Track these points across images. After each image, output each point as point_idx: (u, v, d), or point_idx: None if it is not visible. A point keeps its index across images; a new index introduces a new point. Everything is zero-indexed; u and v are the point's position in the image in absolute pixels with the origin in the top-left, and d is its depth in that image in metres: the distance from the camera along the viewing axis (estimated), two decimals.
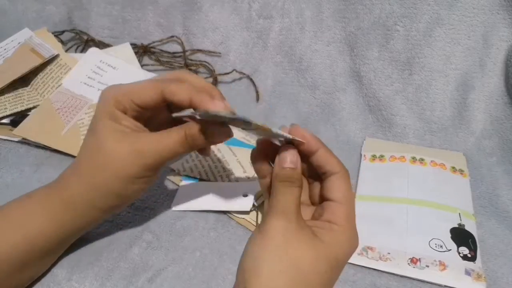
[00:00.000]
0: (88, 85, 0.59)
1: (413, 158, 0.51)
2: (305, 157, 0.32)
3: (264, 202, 0.35)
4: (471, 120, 0.54)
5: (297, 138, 0.31)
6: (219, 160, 0.49)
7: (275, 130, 0.30)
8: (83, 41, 0.72)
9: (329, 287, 0.30)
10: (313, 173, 0.33)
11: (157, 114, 0.37)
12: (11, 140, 0.54)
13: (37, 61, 0.59)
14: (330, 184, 0.31)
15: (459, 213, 0.44)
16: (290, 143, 0.32)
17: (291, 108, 0.61)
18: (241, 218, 0.44)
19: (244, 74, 0.65)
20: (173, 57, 0.69)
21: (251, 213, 0.44)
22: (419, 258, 0.40)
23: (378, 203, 0.46)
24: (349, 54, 0.59)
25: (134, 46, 0.69)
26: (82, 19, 0.73)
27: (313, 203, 0.34)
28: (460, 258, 0.40)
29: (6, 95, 0.58)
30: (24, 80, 0.59)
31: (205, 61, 0.67)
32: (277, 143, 0.33)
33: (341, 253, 0.30)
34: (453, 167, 0.50)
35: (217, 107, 0.32)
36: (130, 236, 0.42)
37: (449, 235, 0.42)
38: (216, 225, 0.44)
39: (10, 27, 0.69)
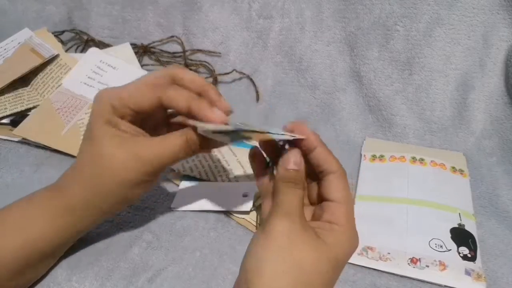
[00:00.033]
0: (88, 85, 0.59)
1: (413, 158, 0.51)
2: (303, 155, 0.32)
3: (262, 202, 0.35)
4: (471, 120, 0.54)
5: (297, 136, 0.31)
6: (219, 160, 0.49)
7: (274, 135, 0.30)
8: (83, 41, 0.72)
9: (330, 287, 0.30)
10: (311, 173, 0.33)
11: (153, 115, 0.37)
12: (11, 140, 0.54)
13: (37, 61, 0.59)
14: (328, 183, 0.31)
15: (459, 213, 0.44)
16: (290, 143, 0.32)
17: (291, 108, 0.61)
18: (241, 218, 0.44)
19: (244, 74, 0.65)
20: (173, 57, 0.69)
21: (251, 213, 0.44)
22: (419, 258, 0.40)
23: (378, 203, 0.46)
24: (349, 54, 0.59)
25: (134, 46, 0.69)
26: (82, 19, 0.73)
27: (311, 203, 0.35)
28: (460, 258, 0.40)
29: (6, 95, 0.58)
30: (24, 80, 0.59)
31: (205, 61, 0.67)
32: (280, 142, 0.33)
33: (342, 253, 0.30)
34: (453, 167, 0.50)
35: (215, 115, 0.32)
36: (130, 236, 0.42)
37: (449, 235, 0.42)
38: (216, 225, 0.44)
39: (10, 27, 0.68)
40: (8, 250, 0.33)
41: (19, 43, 0.63)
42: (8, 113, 0.56)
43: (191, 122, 0.33)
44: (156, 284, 0.38)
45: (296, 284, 0.27)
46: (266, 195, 0.34)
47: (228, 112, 0.34)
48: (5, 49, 0.63)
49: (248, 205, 0.44)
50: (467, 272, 0.39)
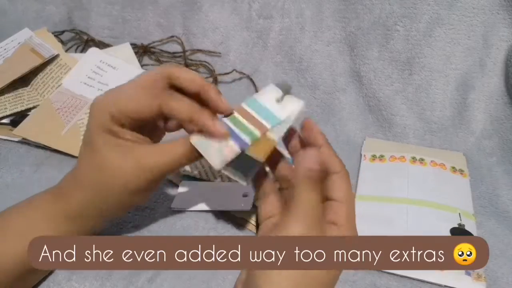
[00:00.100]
0: (88, 85, 0.59)
1: (413, 158, 0.51)
2: None
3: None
4: (471, 120, 0.54)
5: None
6: None
7: (275, 133, 0.31)
8: (83, 41, 0.72)
9: (331, 287, 0.30)
10: None
11: (152, 120, 0.37)
12: (11, 140, 0.54)
13: (37, 61, 0.59)
14: (331, 183, 0.31)
15: (459, 213, 0.44)
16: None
17: None
18: (241, 218, 0.44)
19: (244, 74, 0.65)
20: (173, 57, 0.69)
21: (251, 213, 0.44)
22: None
23: (378, 203, 0.46)
24: (349, 54, 0.59)
25: (134, 46, 0.69)
26: (82, 19, 0.73)
27: None
28: None
29: (6, 95, 0.58)
30: (24, 80, 0.59)
31: (205, 61, 0.67)
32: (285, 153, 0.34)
33: None
34: (453, 167, 0.50)
35: (217, 128, 0.32)
36: (130, 236, 0.42)
37: (449, 235, 0.42)
38: (216, 225, 0.44)
39: (10, 27, 0.68)
40: (9, 257, 0.33)
41: (19, 43, 0.63)
42: (8, 113, 0.56)
43: (193, 139, 0.33)
44: (156, 284, 0.38)
45: (297, 285, 0.27)
46: (265, 196, 0.34)
47: (228, 112, 0.34)
48: (5, 49, 0.63)
49: (248, 205, 0.44)
50: (467, 272, 0.39)
